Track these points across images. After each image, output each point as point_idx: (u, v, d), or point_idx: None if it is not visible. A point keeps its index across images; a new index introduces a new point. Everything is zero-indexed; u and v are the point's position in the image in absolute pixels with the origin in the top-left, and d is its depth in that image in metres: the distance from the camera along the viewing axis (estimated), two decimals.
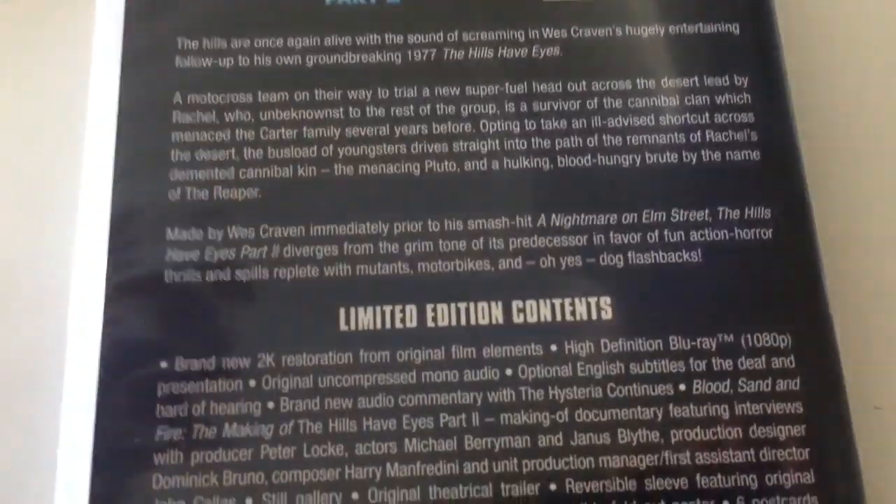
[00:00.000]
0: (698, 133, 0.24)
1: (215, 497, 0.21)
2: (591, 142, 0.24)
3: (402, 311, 0.23)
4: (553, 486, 0.21)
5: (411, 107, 0.25)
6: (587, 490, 0.21)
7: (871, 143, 0.27)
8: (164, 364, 0.22)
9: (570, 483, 0.21)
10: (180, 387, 0.22)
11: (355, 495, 0.21)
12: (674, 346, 0.23)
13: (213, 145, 0.24)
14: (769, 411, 0.22)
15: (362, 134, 0.24)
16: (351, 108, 0.25)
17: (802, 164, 0.24)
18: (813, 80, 0.27)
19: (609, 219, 0.24)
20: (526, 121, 0.25)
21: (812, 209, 0.24)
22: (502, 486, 0.22)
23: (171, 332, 0.23)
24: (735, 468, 0.22)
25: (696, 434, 0.22)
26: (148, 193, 0.24)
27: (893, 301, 0.25)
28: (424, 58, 0.25)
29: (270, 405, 0.22)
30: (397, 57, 0.25)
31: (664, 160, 0.24)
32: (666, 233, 0.24)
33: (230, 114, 0.25)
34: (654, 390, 0.22)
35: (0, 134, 0.27)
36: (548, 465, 0.22)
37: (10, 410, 0.24)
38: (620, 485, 0.21)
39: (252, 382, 0.22)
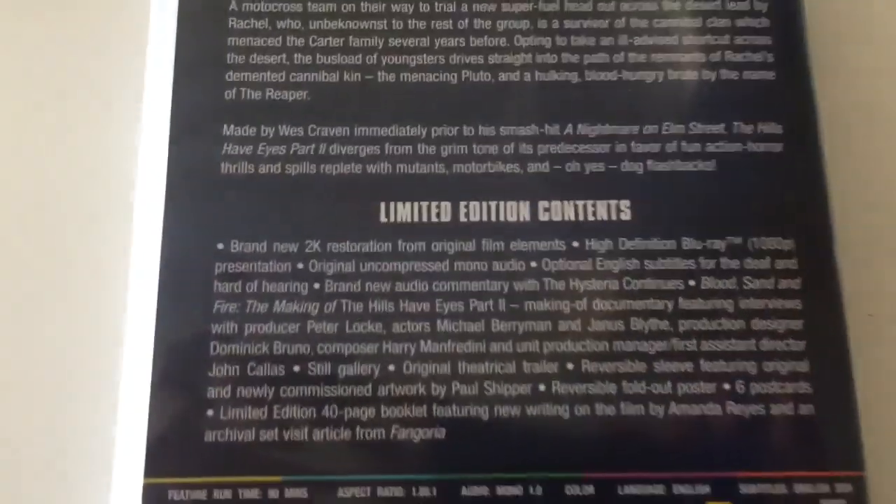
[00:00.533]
0: (718, 53, 0.26)
1: (266, 363, 0.24)
2: (617, 58, 0.26)
3: (438, 206, 0.25)
4: (570, 366, 0.24)
5: (450, 21, 0.27)
6: (601, 370, 0.24)
7: (880, 62, 0.29)
8: (220, 245, 0.24)
9: (585, 363, 0.24)
10: (235, 266, 0.24)
11: (392, 367, 0.24)
12: (686, 245, 0.25)
13: (266, 50, 0.26)
14: (770, 306, 0.24)
15: (404, 44, 0.26)
16: (394, 21, 0.27)
17: (814, 85, 0.26)
18: (829, 4, 0.28)
19: (631, 129, 0.26)
20: (557, 37, 0.26)
21: (820, 126, 0.26)
22: (524, 363, 0.24)
23: (226, 218, 0.25)
24: (736, 355, 0.24)
25: (703, 324, 0.24)
26: (206, 92, 0.26)
27: (894, 214, 0.27)
28: None
29: (316, 286, 0.24)
30: None
31: (685, 77, 0.26)
32: (683, 144, 0.25)
33: (282, 22, 0.26)
34: (665, 284, 0.24)
35: (66, 42, 0.28)
36: (566, 346, 0.24)
37: (79, 293, 0.26)
38: (631, 367, 0.24)
39: (300, 265, 0.24)
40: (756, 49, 0.26)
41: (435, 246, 0.25)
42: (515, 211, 0.25)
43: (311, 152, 0.25)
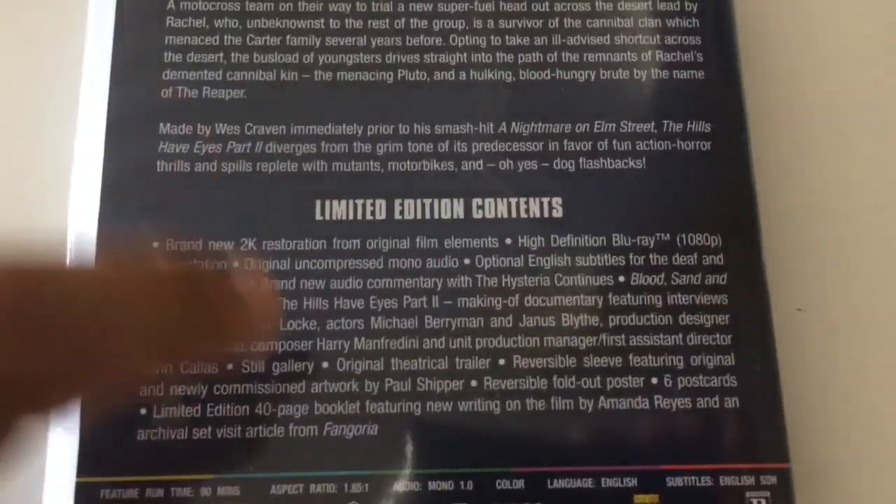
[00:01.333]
0: (649, 53, 0.27)
1: (199, 361, 0.24)
2: (550, 58, 0.27)
3: (373, 204, 0.25)
4: (502, 361, 0.24)
5: (387, 20, 0.27)
6: (532, 366, 0.24)
7: (808, 63, 0.29)
8: (156, 244, 0.25)
9: (517, 359, 0.24)
10: None
11: (325, 364, 0.24)
12: (616, 242, 0.25)
13: (203, 49, 0.26)
14: (697, 302, 0.25)
15: (341, 43, 0.27)
16: (331, 20, 0.27)
17: (742, 85, 0.27)
18: (758, 6, 0.29)
19: (564, 128, 0.26)
20: (492, 36, 0.27)
21: (748, 125, 0.26)
22: (457, 360, 0.24)
23: (162, 216, 0.25)
24: (664, 350, 0.24)
25: (632, 319, 0.24)
26: (142, 91, 0.26)
27: (821, 210, 0.28)
28: None
29: (251, 284, 0.24)
30: None
31: (616, 76, 0.26)
32: (614, 142, 0.26)
33: (219, 20, 0.27)
34: (595, 281, 0.25)
35: (1, 44, 0.28)
36: (498, 343, 0.24)
37: None
38: (562, 362, 0.24)
39: (235, 263, 0.25)
40: (686, 49, 0.27)
41: (370, 244, 0.25)
42: (450, 208, 0.25)
43: (248, 150, 0.26)
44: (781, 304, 0.26)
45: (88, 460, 0.23)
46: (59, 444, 0.23)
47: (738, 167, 0.26)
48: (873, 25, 0.30)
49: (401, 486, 0.23)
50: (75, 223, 0.25)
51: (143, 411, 0.23)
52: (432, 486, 0.23)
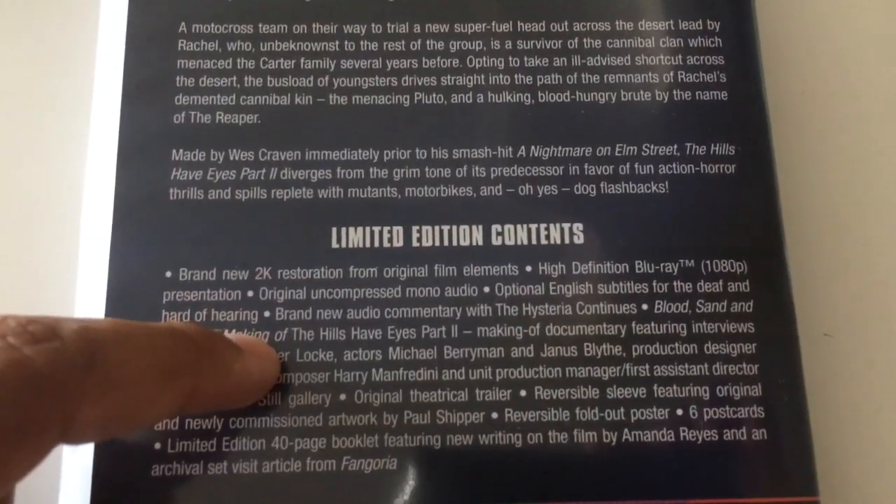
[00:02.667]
0: (671, 73, 0.26)
1: None
2: (570, 79, 0.26)
3: (390, 231, 0.25)
4: (523, 393, 0.24)
5: (403, 42, 0.26)
6: (554, 397, 0.24)
7: (833, 81, 0.29)
8: (168, 274, 0.24)
9: (538, 390, 0.24)
10: (184, 295, 0.24)
11: (343, 397, 0.23)
12: (639, 269, 0.24)
13: (216, 73, 0.26)
14: (723, 330, 0.24)
15: (356, 66, 0.26)
16: (346, 42, 0.26)
17: (766, 105, 0.26)
18: (781, 25, 0.28)
19: (584, 151, 0.25)
20: (510, 58, 0.26)
21: (773, 147, 0.26)
22: (477, 391, 0.24)
23: (175, 245, 0.24)
24: (689, 380, 0.24)
25: (656, 349, 0.24)
26: (154, 116, 0.25)
27: (846, 234, 0.27)
28: None
29: (266, 314, 0.24)
30: None
31: (638, 98, 0.26)
32: (636, 165, 0.25)
33: (232, 43, 0.26)
34: (618, 309, 0.24)
35: (11, 63, 0.28)
36: (519, 373, 0.24)
37: None
38: (584, 392, 0.24)
39: (250, 293, 0.24)
40: (709, 69, 0.26)
41: (387, 272, 0.24)
42: (468, 235, 0.25)
43: (262, 177, 0.25)
44: (808, 330, 0.26)
45: (101, 495, 0.22)
46: (72, 478, 0.23)
47: (764, 190, 0.25)
48: None
49: None
50: (86, 251, 0.24)
51: (157, 445, 0.23)
52: None
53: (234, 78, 0.26)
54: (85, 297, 0.24)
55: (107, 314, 0.24)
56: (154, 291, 0.24)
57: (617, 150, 0.25)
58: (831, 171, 0.28)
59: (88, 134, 0.25)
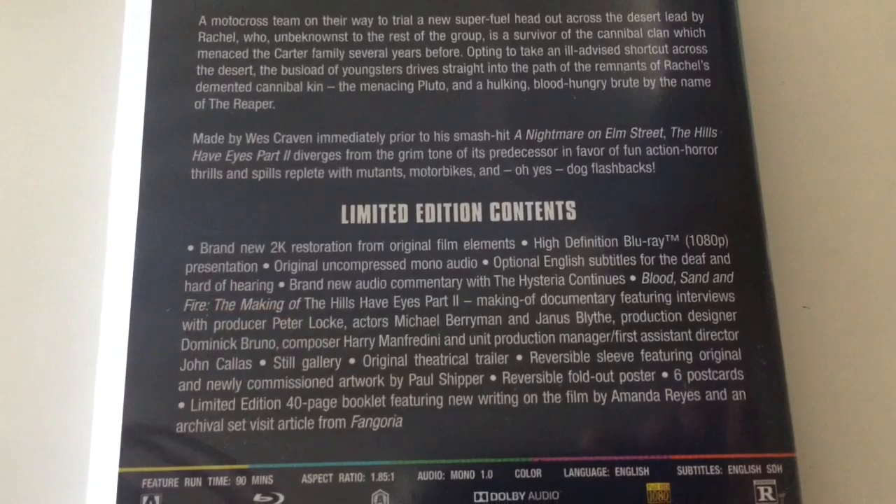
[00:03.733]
0: (658, 62, 0.28)
1: (234, 358, 0.25)
2: (563, 67, 0.28)
3: (395, 208, 0.27)
4: (519, 357, 0.25)
5: (407, 33, 0.28)
6: (548, 361, 0.25)
7: (811, 69, 0.30)
8: (190, 247, 0.26)
9: (534, 355, 0.25)
10: (204, 267, 0.26)
11: (352, 360, 0.25)
12: (627, 243, 0.26)
13: (234, 62, 0.28)
14: (706, 299, 0.26)
15: (363, 56, 0.28)
16: (354, 33, 0.28)
17: (747, 91, 0.28)
18: (763, 17, 0.30)
19: (577, 134, 0.27)
20: (507, 48, 0.28)
21: (753, 131, 0.27)
22: (477, 356, 0.25)
23: (196, 222, 0.26)
24: (674, 345, 0.25)
25: (643, 317, 0.26)
26: (177, 103, 0.27)
27: (825, 211, 0.29)
28: None
29: (281, 284, 0.26)
30: None
31: (627, 85, 0.28)
32: (625, 147, 0.27)
33: (248, 35, 0.28)
34: (608, 280, 0.26)
35: (42, 57, 0.30)
36: (516, 339, 0.25)
37: (56, 293, 0.28)
38: (576, 357, 0.25)
39: (266, 265, 0.26)
40: (693, 58, 0.28)
41: (393, 246, 0.26)
42: (468, 212, 0.27)
43: (277, 159, 0.27)
44: (787, 302, 0.27)
45: (130, 452, 0.24)
46: (103, 437, 0.25)
47: (744, 170, 0.27)
48: (876, 32, 0.31)
49: (424, 475, 0.24)
50: (114, 227, 0.26)
51: (181, 405, 0.25)
52: (454, 475, 0.24)
53: (251, 67, 0.28)
54: (113, 270, 0.26)
55: (133, 285, 0.26)
56: (177, 264, 0.26)
57: (607, 133, 0.27)
58: (809, 150, 0.29)
59: (116, 119, 0.27)
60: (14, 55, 0.30)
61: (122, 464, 0.24)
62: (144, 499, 0.24)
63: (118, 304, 0.25)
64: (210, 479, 0.24)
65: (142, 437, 0.24)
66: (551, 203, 0.27)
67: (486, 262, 0.26)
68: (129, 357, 0.25)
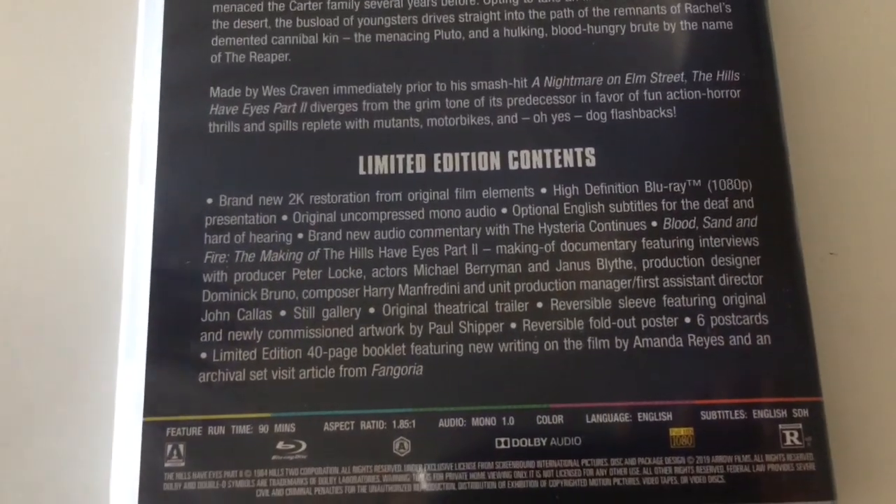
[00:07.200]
0: (678, 5, 0.27)
1: (254, 309, 0.25)
2: (581, 13, 0.27)
3: (413, 158, 0.26)
4: (540, 304, 0.25)
5: None
6: (568, 308, 0.25)
7: (836, 8, 0.30)
8: (209, 200, 0.26)
9: (554, 302, 0.25)
10: (224, 219, 0.26)
11: (372, 310, 0.25)
12: (648, 189, 0.26)
13: (249, 16, 0.28)
14: (729, 244, 0.25)
15: (379, 6, 0.28)
16: None
17: (771, 33, 0.27)
18: None
19: (595, 80, 0.27)
20: None
21: (777, 73, 0.27)
22: (497, 304, 0.25)
23: (215, 174, 0.26)
24: (697, 290, 0.25)
25: (665, 262, 0.25)
26: (193, 57, 0.27)
27: (851, 155, 0.28)
28: None
29: (300, 236, 0.26)
30: None
31: (646, 29, 0.27)
32: (645, 93, 0.27)
33: None
34: (629, 226, 0.26)
35: (58, 13, 0.30)
36: (535, 287, 0.25)
37: (79, 247, 0.28)
38: (597, 304, 0.25)
39: (284, 217, 0.26)
40: (714, 0, 0.27)
41: (411, 196, 0.26)
42: (487, 161, 0.26)
43: (293, 111, 0.27)
44: (813, 249, 0.27)
45: (154, 401, 0.25)
46: (127, 387, 0.25)
47: (768, 113, 0.26)
48: None
49: (446, 422, 0.24)
50: (134, 181, 0.26)
51: (203, 355, 0.25)
52: (476, 421, 0.24)
53: (266, 20, 0.28)
54: (133, 223, 0.26)
55: (154, 238, 0.26)
56: (196, 216, 0.26)
57: (627, 78, 0.27)
58: (835, 92, 0.29)
59: (134, 74, 0.27)
60: (30, 10, 0.30)
61: (146, 413, 0.24)
62: (169, 447, 0.24)
63: (139, 257, 0.26)
64: (233, 427, 0.24)
65: (165, 387, 0.25)
66: (570, 150, 0.26)
67: (504, 210, 0.26)
68: (151, 309, 0.25)
